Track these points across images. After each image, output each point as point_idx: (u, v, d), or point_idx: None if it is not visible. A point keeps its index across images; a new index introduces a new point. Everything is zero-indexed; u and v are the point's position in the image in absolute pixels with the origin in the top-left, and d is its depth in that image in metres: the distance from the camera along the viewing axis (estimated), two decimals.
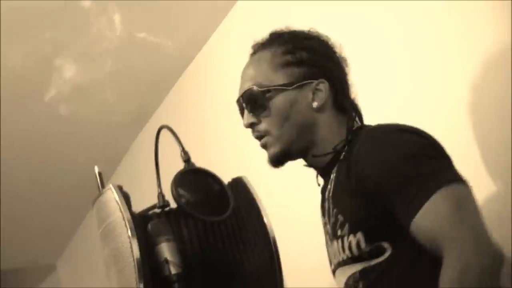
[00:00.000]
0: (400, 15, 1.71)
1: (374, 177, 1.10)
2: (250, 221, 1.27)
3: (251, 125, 1.28)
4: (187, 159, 1.27)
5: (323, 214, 1.28)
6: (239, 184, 1.33)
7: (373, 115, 1.32)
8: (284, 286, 1.30)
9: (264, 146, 1.28)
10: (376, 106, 1.36)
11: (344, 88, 1.29)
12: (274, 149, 1.26)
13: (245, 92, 1.28)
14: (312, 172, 1.32)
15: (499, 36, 1.39)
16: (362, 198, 1.12)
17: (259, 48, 1.32)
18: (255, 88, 1.26)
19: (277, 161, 1.27)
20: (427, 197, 1.03)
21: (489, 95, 1.43)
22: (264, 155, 1.29)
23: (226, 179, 1.31)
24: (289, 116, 1.25)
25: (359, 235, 1.12)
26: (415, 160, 1.08)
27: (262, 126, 1.27)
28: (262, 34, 1.34)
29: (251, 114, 1.27)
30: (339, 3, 1.93)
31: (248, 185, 1.34)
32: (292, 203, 2.05)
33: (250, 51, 1.34)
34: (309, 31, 1.32)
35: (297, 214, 2.03)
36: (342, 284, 1.20)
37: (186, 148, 1.28)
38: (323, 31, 1.33)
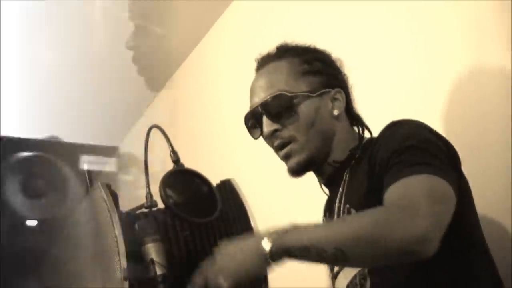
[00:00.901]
0: (398, 15, 1.70)
1: (379, 155, 1.10)
2: (237, 224, 1.27)
3: (273, 133, 1.27)
4: (176, 160, 1.28)
5: (330, 217, 1.29)
6: (227, 187, 1.34)
7: (370, 117, 1.34)
8: None
9: (288, 154, 1.26)
10: (374, 108, 1.37)
11: (351, 99, 1.33)
12: (299, 157, 1.25)
13: (270, 98, 1.26)
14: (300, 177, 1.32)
15: (499, 36, 1.40)
16: (371, 181, 1.12)
17: (268, 60, 1.32)
18: (284, 93, 1.25)
19: (300, 169, 1.27)
20: (409, 174, 0.99)
21: (489, 95, 1.42)
22: (253, 158, 1.30)
23: (215, 181, 1.31)
24: (314, 123, 1.26)
25: None
26: (418, 149, 1.05)
27: (287, 133, 1.26)
28: (257, 36, 1.35)
29: (274, 121, 1.26)
30: (336, 3, 1.93)
31: (236, 188, 1.34)
32: (280, 207, 2.05)
33: (256, 64, 1.34)
34: (310, 45, 1.34)
35: (285, 219, 2.03)
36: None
37: (177, 149, 1.28)
38: (317, 30, 1.34)
